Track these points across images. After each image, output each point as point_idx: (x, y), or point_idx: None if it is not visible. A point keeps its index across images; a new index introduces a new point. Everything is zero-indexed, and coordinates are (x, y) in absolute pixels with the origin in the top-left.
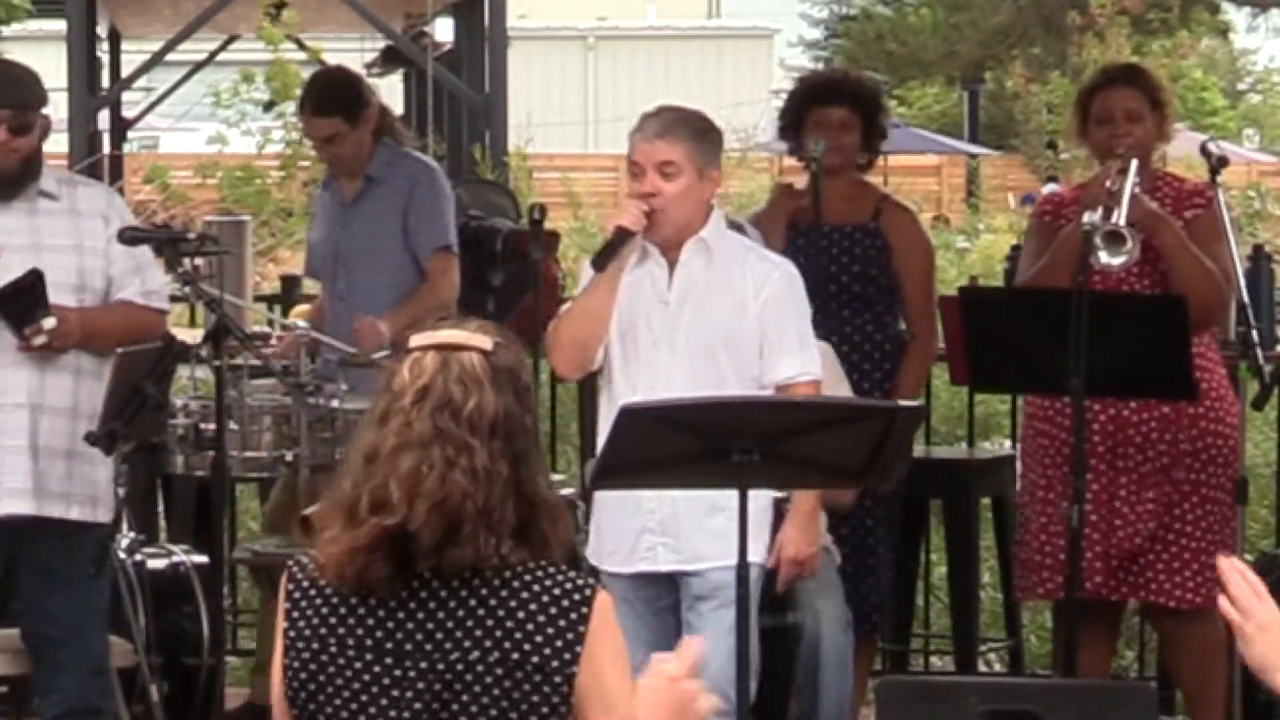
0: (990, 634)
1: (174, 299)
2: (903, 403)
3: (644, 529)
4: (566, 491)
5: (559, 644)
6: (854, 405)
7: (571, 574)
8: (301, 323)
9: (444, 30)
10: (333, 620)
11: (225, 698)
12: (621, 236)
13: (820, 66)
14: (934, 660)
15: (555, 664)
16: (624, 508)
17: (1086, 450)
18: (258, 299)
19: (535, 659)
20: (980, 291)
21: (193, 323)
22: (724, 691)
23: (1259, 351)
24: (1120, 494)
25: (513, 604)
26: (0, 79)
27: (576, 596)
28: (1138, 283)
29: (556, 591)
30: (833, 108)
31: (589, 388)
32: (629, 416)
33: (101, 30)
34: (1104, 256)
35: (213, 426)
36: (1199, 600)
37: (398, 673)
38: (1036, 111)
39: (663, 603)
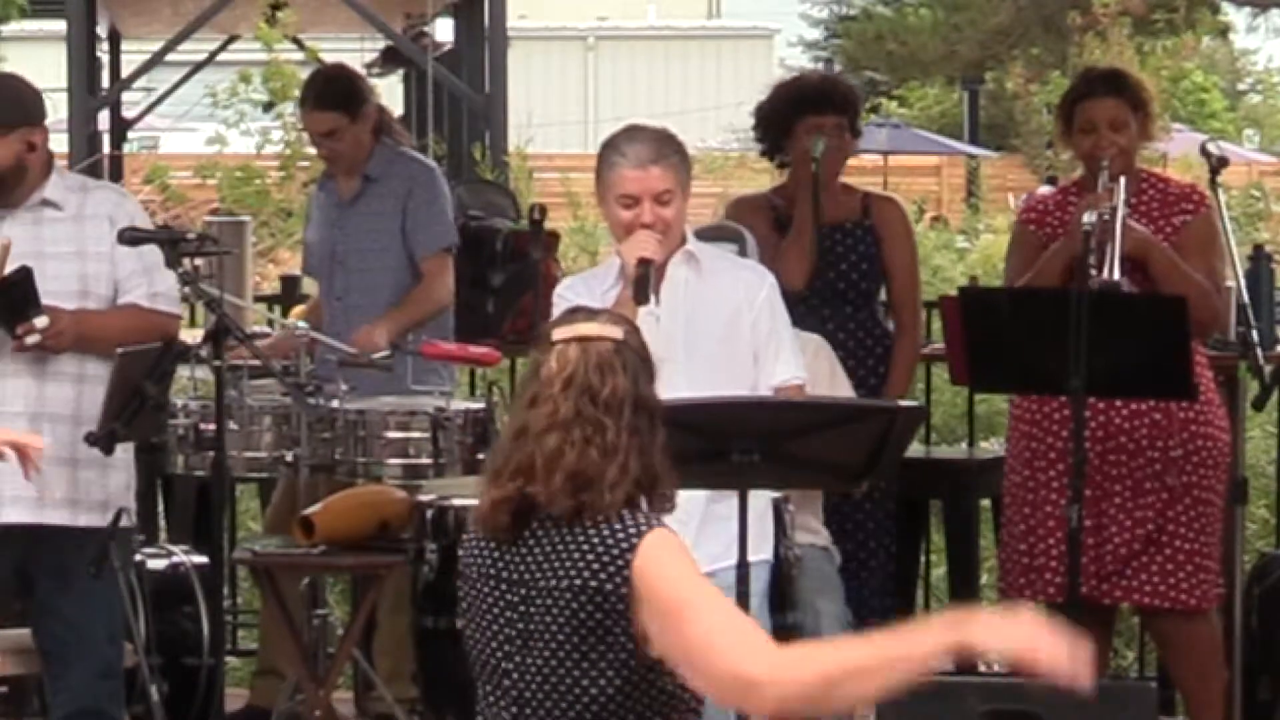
0: None
1: None
2: (903, 403)
3: None
4: None
5: (610, 569)
6: (854, 405)
7: (640, 516)
8: (302, 323)
9: (444, 30)
10: (473, 559)
11: (225, 698)
12: (645, 267)
13: (820, 66)
14: None
15: (609, 587)
16: None
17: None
18: (258, 299)
19: (594, 583)
20: (980, 291)
21: (193, 323)
22: None
23: (1259, 351)
24: (1116, 500)
25: (584, 545)
26: None
27: (631, 530)
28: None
29: (617, 527)
30: (827, 115)
31: None
32: None
33: (101, 30)
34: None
35: (213, 426)
36: (1193, 601)
37: (508, 597)
38: (1036, 112)
39: None
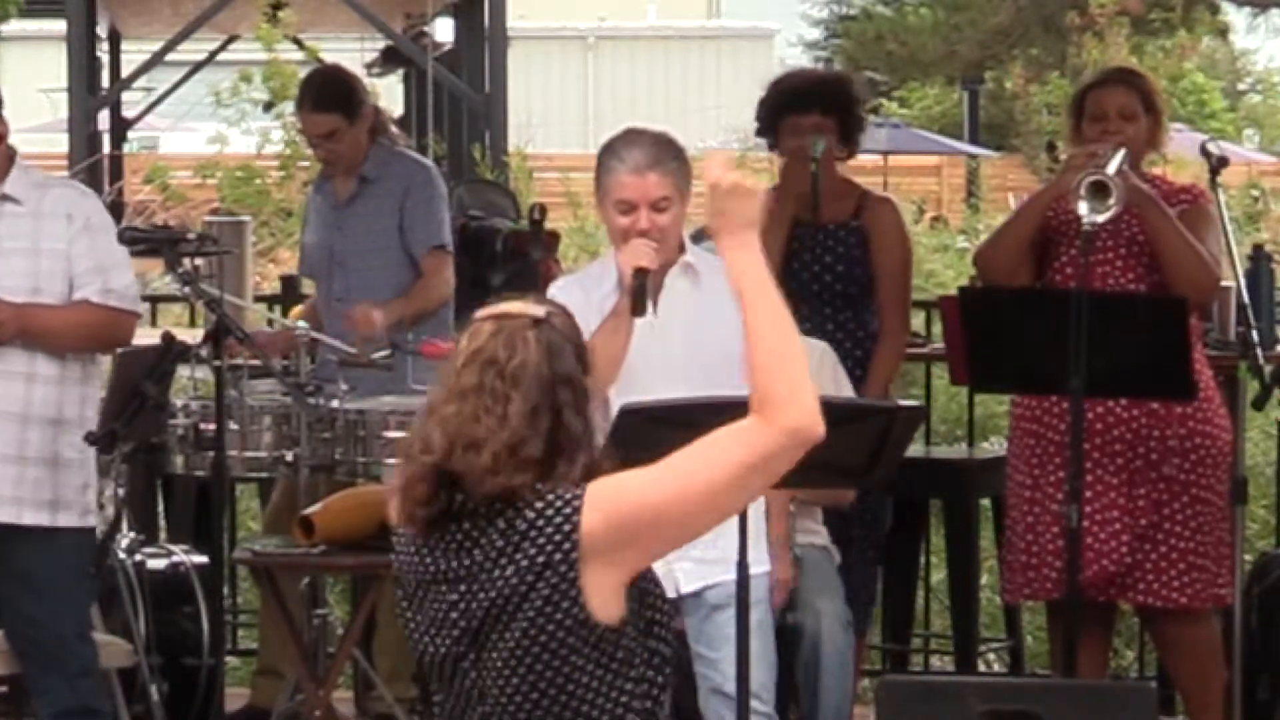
0: (990, 634)
1: (174, 299)
2: (903, 402)
3: None
4: None
5: (557, 538)
6: (854, 405)
7: (570, 489)
8: (302, 323)
9: (444, 30)
10: (405, 561)
11: (225, 698)
12: (642, 277)
13: (820, 66)
14: (934, 660)
15: (558, 557)
16: None
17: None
18: (258, 299)
19: (540, 559)
20: (980, 292)
21: (193, 323)
22: (754, 696)
23: (1259, 351)
24: (1115, 490)
25: (523, 525)
26: None
27: (569, 497)
28: (1123, 277)
29: (553, 498)
30: (806, 115)
31: None
32: (628, 417)
33: (101, 30)
34: (1085, 209)
35: (213, 426)
36: (1185, 601)
37: (449, 597)
38: (1036, 112)
39: None
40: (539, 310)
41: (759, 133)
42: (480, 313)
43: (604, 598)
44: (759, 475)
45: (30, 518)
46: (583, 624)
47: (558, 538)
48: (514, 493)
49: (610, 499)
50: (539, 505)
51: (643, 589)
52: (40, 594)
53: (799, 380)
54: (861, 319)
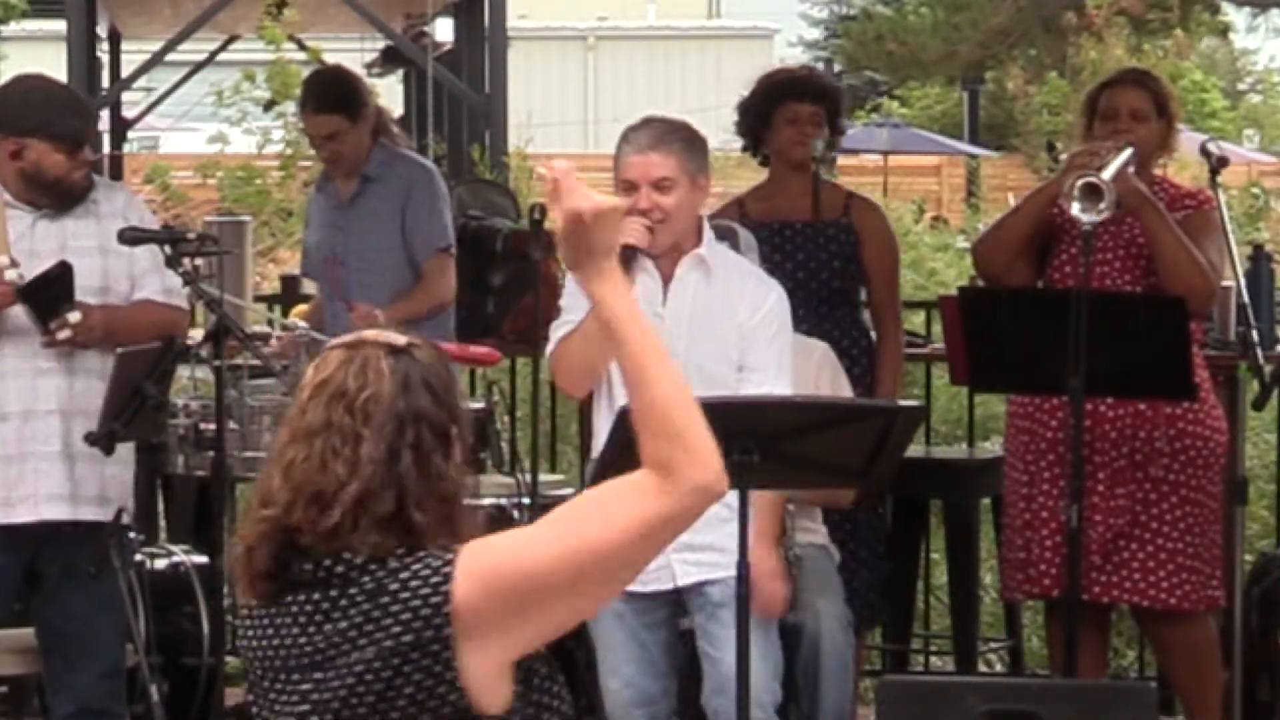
0: (990, 634)
1: None
2: (903, 402)
3: None
4: (565, 492)
5: (425, 613)
6: (854, 405)
7: (439, 554)
8: (302, 323)
9: (444, 30)
10: (248, 636)
11: (225, 697)
12: (630, 254)
13: (820, 67)
14: (934, 660)
15: (427, 635)
16: None
17: (1062, 446)
18: (258, 299)
19: (407, 639)
20: (980, 291)
21: (193, 323)
22: (758, 695)
23: (1259, 351)
24: (1097, 489)
25: (384, 600)
26: (81, 110)
27: (436, 563)
28: (1120, 278)
29: (418, 568)
30: (804, 103)
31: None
32: (629, 416)
33: (101, 30)
34: (1077, 209)
35: (213, 426)
36: (1174, 602)
37: (301, 687)
38: (1036, 112)
39: (655, 617)
40: (398, 339)
41: (743, 132)
42: (333, 340)
43: (487, 683)
44: (660, 536)
45: (95, 513)
46: (462, 714)
47: (426, 612)
48: (357, 553)
49: (487, 563)
50: (404, 575)
51: (529, 668)
52: (89, 590)
53: (696, 430)
54: (855, 316)
